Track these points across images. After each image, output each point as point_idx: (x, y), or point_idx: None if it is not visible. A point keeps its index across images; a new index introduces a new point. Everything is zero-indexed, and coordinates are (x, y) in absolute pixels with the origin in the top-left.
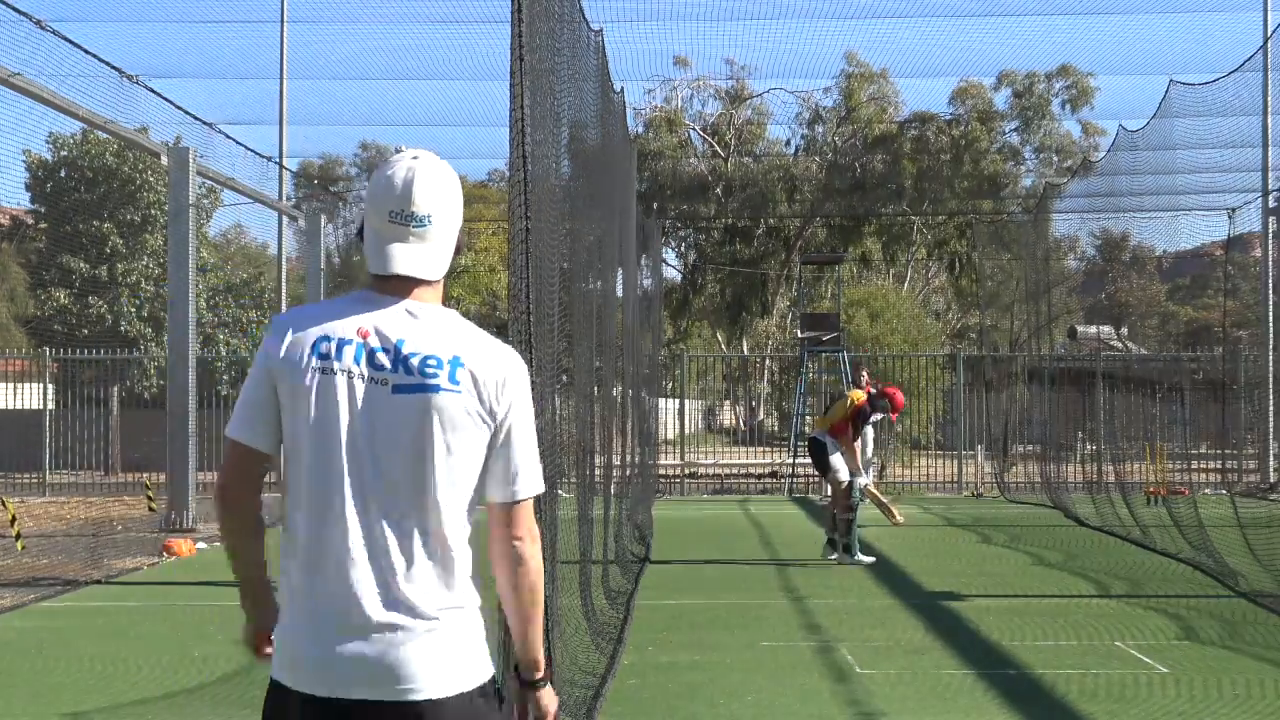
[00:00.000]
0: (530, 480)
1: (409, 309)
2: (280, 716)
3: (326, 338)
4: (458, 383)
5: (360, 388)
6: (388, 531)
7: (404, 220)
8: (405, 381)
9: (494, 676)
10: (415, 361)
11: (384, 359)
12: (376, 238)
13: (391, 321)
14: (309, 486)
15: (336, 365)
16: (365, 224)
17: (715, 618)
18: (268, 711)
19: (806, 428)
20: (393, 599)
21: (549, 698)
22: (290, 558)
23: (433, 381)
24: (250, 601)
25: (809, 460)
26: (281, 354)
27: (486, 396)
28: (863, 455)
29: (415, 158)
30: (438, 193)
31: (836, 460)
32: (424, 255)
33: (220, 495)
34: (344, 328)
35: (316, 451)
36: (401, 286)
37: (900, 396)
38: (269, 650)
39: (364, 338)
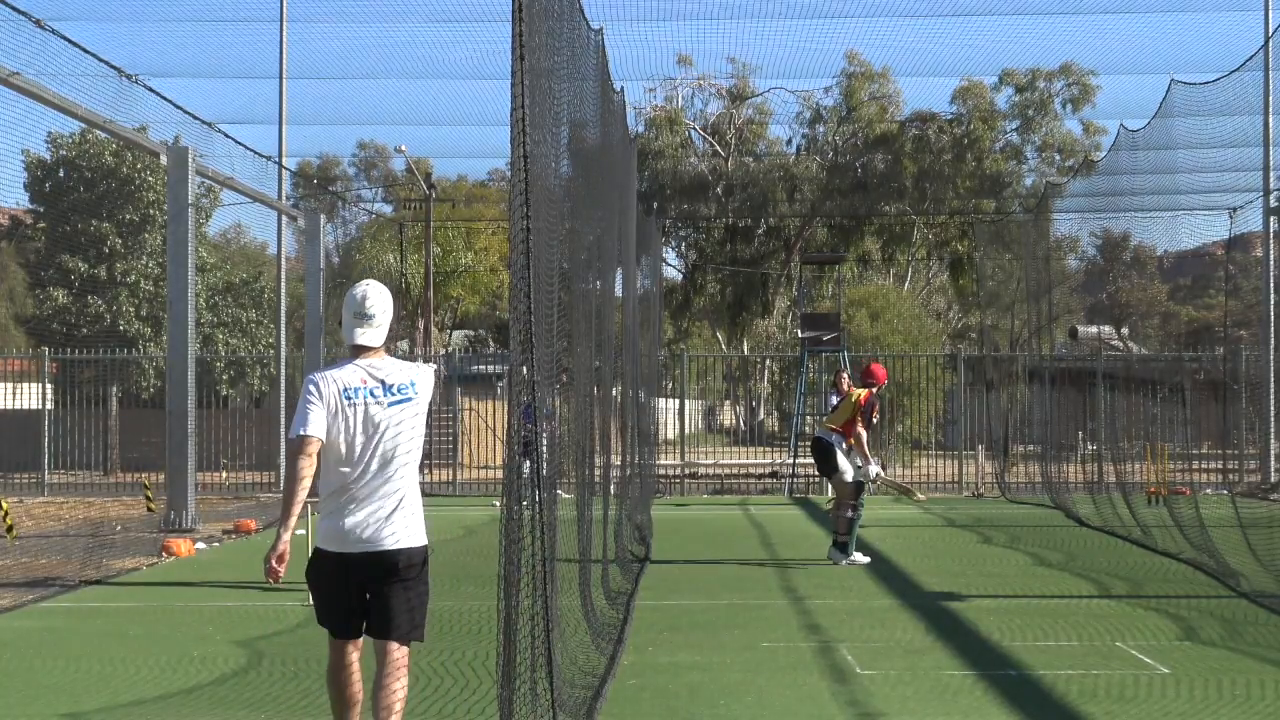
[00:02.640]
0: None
1: (379, 365)
2: (333, 576)
3: (348, 386)
4: (418, 392)
5: (371, 407)
6: (389, 474)
7: (361, 317)
8: (395, 399)
9: (427, 546)
10: (396, 388)
11: (379, 391)
12: (349, 325)
13: (375, 373)
14: (352, 456)
15: (355, 399)
16: (342, 318)
17: (715, 618)
18: (319, 574)
19: (807, 428)
20: (388, 509)
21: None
22: (332, 488)
23: (408, 395)
24: (283, 531)
25: (811, 460)
26: (324, 396)
27: (423, 394)
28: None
29: (368, 284)
30: (379, 302)
31: (843, 461)
32: (372, 334)
33: (300, 458)
34: (354, 380)
35: (353, 441)
36: (365, 351)
37: (877, 368)
38: (277, 567)
39: (364, 384)
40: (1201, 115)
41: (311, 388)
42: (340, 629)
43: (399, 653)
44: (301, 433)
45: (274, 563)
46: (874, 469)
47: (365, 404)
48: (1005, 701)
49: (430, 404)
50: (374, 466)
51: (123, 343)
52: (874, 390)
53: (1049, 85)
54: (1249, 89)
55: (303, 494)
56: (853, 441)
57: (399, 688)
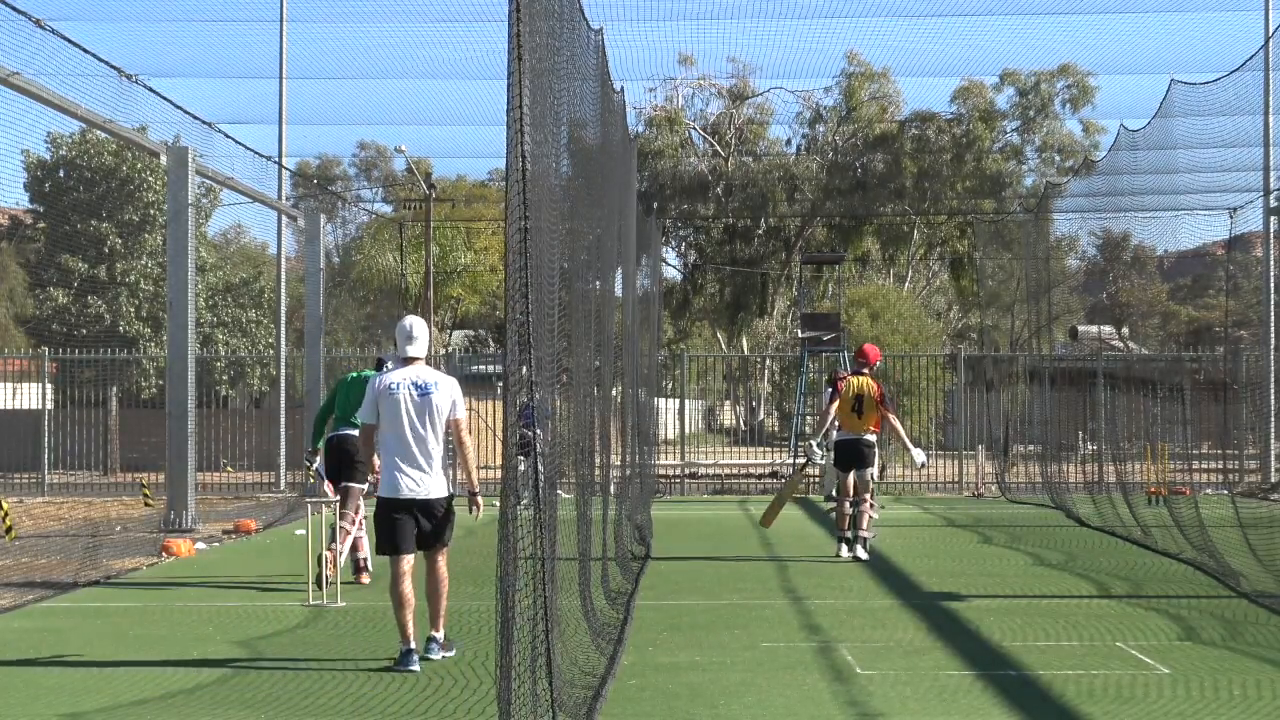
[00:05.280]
0: (461, 413)
1: (419, 370)
2: (388, 514)
3: (393, 383)
4: (439, 389)
5: (409, 395)
6: (419, 444)
7: (409, 338)
8: (425, 392)
9: (452, 495)
10: (424, 385)
11: (416, 386)
12: (401, 344)
13: (414, 375)
14: (396, 431)
15: (399, 390)
16: (396, 340)
17: (715, 618)
18: (380, 514)
19: (807, 428)
20: (423, 468)
21: (481, 500)
22: (387, 456)
23: (430, 390)
24: (369, 464)
25: (833, 461)
26: (380, 389)
27: (446, 393)
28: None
29: (412, 318)
30: (420, 330)
31: (877, 461)
32: (418, 348)
33: (367, 439)
34: (399, 379)
35: (397, 419)
36: (412, 360)
37: (868, 349)
38: (374, 478)
39: (405, 380)
40: (1201, 115)
41: (371, 387)
42: (400, 549)
43: (441, 558)
44: (363, 421)
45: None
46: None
47: (403, 395)
48: (1005, 701)
49: (457, 399)
50: (410, 437)
51: (123, 343)
52: (875, 374)
53: (1049, 86)
54: (1249, 89)
55: (373, 459)
56: (892, 428)
57: (443, 577)
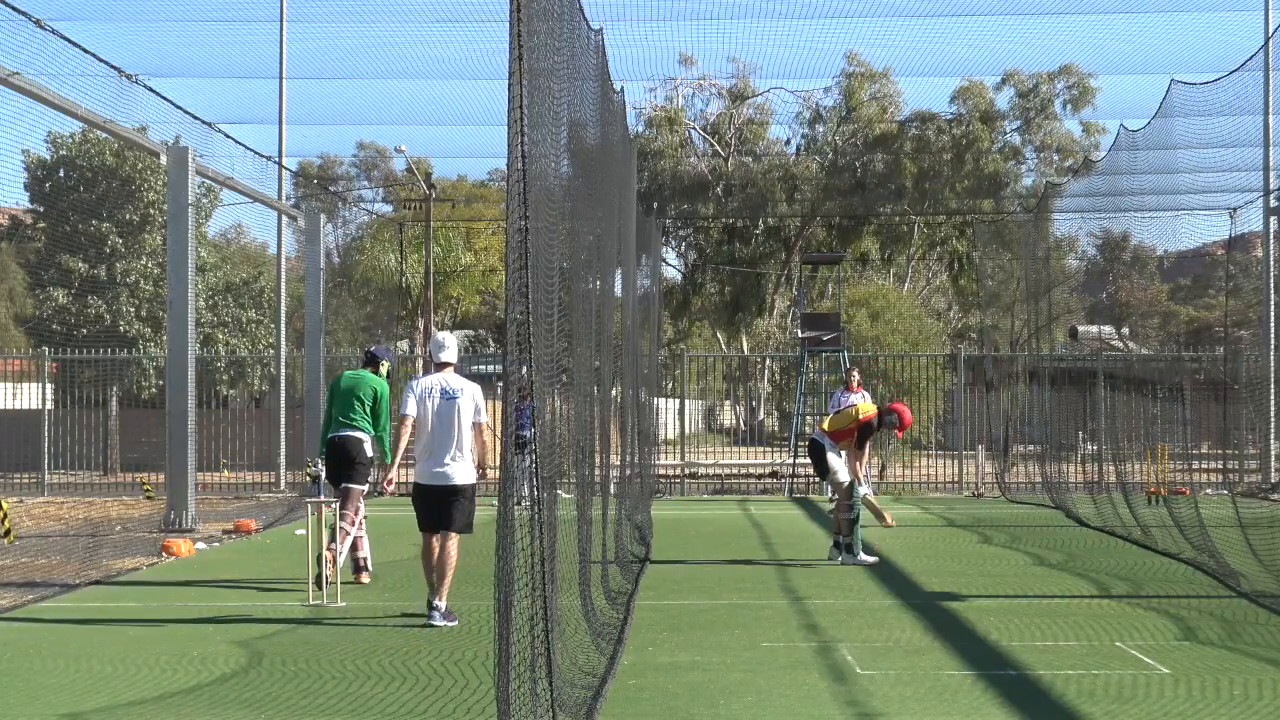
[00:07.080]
0: (483, 417)
1: (448, 377)
2: (422, 496)
3: (429, 386)
4: (464, 394)
5: (439, 399)
6: (445, 439)
7: (441, 349)
8: (452, 396)
9: (474, 483)
10: (452, 390)
11: (445, 392)
12: (435, 353)
13: (444, 381)
14: (428, 428)
15: (433, 393)
16: (430, 351)
17: (715, 618)
18: (416, 496)
19: (807, 428)
20: (449, 459)
21: (490, 473)
22: (421, 448)
23: (459, 395)
24: (391, 469)
25: (808, 460)
26: (417, 391)
27: (470, 398)
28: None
29: (445, 333)
30: (451, 342)
31: (834, 460)
32: (448, 355)
33: (401, 428)
34: (433, 384)
35: (428, 417)
36: (444, 366)
37: (909, 415)
38: (390, 489)
39: (437, 385)
40: (1201, 115)
41: (409, 387)
42: (431, 526)
43: (454, 540)
44: (402, 413)
45: (385, 484)
46: (863, 490)
47: (434, 398)
48: (1005, 701)
49: (479, 404)
50: (440, 433)
51: (123, 343)
52: (884, 419)
53: (1050, 86)
54: (1249, 89)
55: (400, 450)
56: (847, 449)
57: (451, 557)
